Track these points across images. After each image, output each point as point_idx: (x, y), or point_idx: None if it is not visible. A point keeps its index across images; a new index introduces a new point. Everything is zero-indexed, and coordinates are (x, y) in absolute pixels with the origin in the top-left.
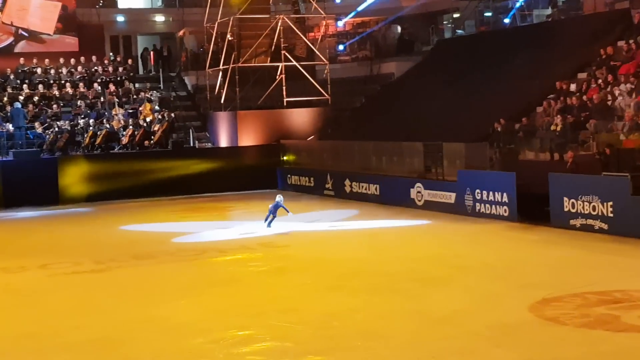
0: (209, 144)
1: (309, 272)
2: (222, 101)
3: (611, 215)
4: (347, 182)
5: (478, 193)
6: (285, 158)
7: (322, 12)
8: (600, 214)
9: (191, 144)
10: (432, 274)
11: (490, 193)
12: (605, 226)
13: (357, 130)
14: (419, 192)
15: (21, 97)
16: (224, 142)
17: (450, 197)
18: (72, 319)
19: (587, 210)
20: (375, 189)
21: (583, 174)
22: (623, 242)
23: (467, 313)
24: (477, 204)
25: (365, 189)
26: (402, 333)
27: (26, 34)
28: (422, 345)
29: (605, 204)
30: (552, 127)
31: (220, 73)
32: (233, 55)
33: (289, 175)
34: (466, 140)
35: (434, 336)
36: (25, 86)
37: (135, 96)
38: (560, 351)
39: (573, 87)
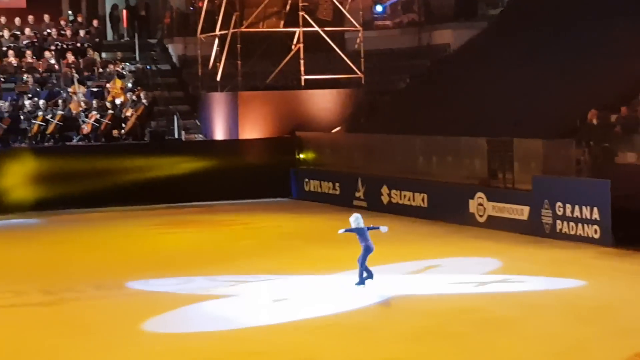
0: (200, 135)
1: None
2: (218, 78)
3: None
4: (384, 189)
5: (560, 207)
6: (302, 156)
7: None
8: None
9: (176, 136)
10: (496, 315)
11: (577, 207)
12: None
13: (399, 120)
14: (480, 204)
15: None
16: (220, 133)
17: (522, 212)
18: None
19: None
20: (423, 199)
21: None
22: None
23: None
24: (558, 222)
25: (409, 200)
26: None
27: None
28: None
29: None
30: None
31: (217, 41)
32: (234, 17)
33: (306, 180)
34: (545, 136)
35: None
36: None
37: (101, 70)
38: None
39: None
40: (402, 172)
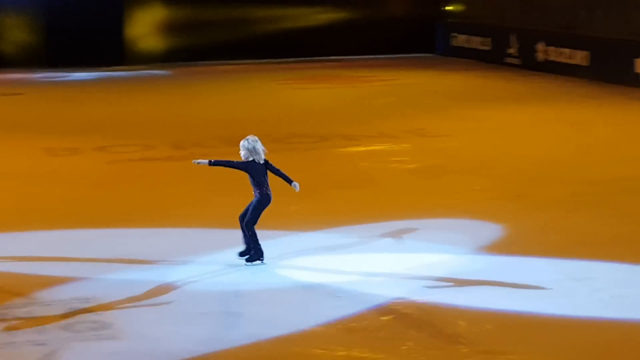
0: None
1: (476, 175)
2: None
3: None
4: (539, 46)
5: None
6: (449, 8)
7: None
8: None
9: None
10: None
11: None
12: None
13: None
14: None
15: None
16: None
17: None
18: (140, 220)
19: None
20: (583, 57)
21: None
22: None
23: None
24: None
25: (568, 57)
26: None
27: None
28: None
29: None
30: None
31: None
32: None
33: (453, 34)
34: None
35: None
36: None
37: None
38: None
39: None
40: (561, 27)
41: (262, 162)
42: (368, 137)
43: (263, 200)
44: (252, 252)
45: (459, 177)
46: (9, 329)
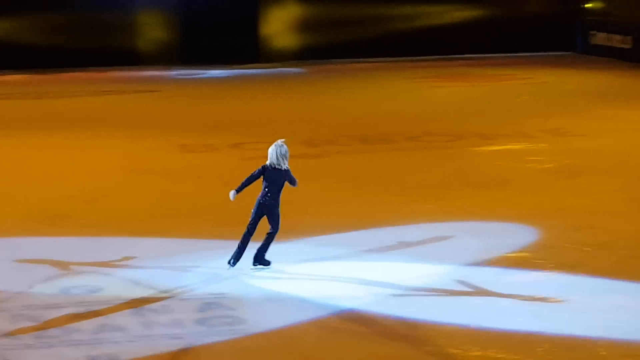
0: None
1: (614, 175)
2: None
3: None
4: None
5: None
6: (588, 5)
7: None
8: None
9: None
10: None
11: None
12: None
13: None
14: None
15: None
16: None
17: None
18: None
19: None
20: None
21: None
22: None
23: None
24: None
25: None
26: None
27: None
28: None
29: None
30: None
31: None
32: None
33: (593, 32)
34: None
35: None
36: None
37: None
38: None
39: None
40: None
41: (278, 167)
42: (504, 136)
43: (257, 205)
44: (234, 253)
45: (596, 177)
46: (145, 322)
